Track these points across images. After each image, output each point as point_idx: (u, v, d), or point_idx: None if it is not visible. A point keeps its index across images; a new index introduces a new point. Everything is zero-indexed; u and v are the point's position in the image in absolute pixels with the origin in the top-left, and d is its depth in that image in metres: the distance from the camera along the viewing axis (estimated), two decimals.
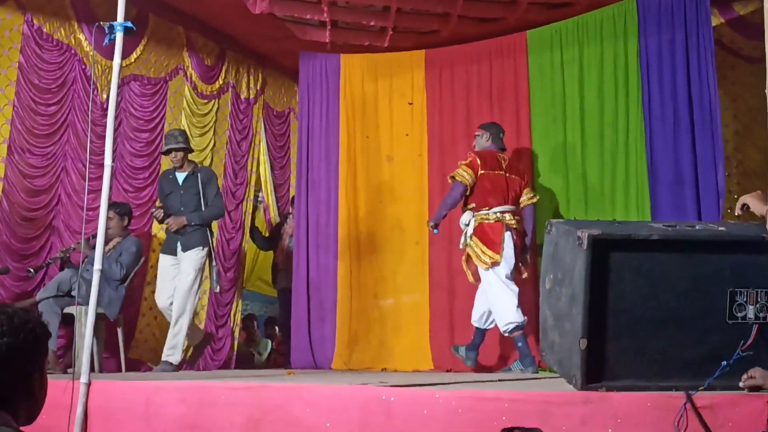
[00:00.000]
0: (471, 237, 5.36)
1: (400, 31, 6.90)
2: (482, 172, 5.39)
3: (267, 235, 7.84)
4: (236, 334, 7.54)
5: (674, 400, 2.88)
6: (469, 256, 5.43)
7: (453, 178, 5.46)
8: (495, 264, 5.24)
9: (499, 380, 4.58)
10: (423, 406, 3.26)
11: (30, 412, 1.80)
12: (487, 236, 5.30)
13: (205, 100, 7.27)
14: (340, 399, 3.48)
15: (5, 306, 1.80)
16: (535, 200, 5.61)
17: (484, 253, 5.27)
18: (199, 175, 5.75)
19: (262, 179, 8.01)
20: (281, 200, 8.17)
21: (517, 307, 5.20)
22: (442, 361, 6.30)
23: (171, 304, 5.58)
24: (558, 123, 6.24)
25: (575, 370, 3.04)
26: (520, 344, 5.21)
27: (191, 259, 5.59)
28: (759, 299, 3.07)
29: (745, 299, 3.08)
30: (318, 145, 7.02)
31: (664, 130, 5.73)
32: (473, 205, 5.43)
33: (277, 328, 8.99)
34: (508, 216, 5.36)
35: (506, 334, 5.26)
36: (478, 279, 5.43)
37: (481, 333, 5.54)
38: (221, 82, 7.42)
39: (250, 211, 7.78)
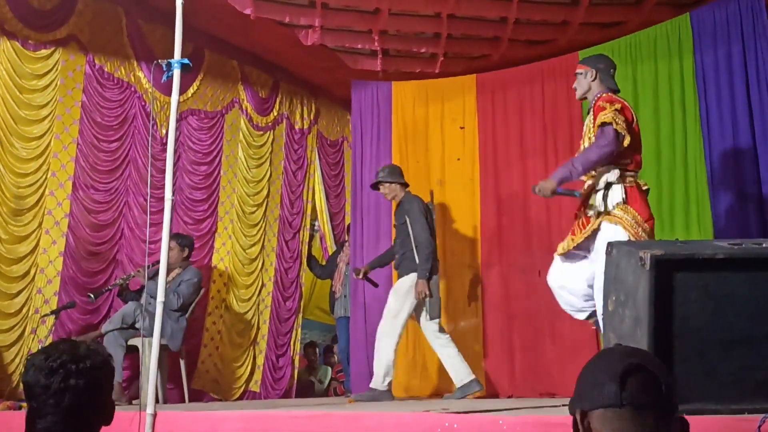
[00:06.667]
0: (621, 204, 4.12)
1: (451, 56, 6.93)
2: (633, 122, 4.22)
3: (324, 263, 7.89)
4: (296, 363, 7.58)
5: (746, 423, 2.80)
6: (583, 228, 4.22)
7: (604, 124, 4.08)
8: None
9: (563, 405, 4.50)
10: None
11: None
12: (643, 205, 4.16)
13: (261, 132, 7.40)
14: (403, 427, 3.46)
15: (68, 350, 1.89)
16: None
17: (638, 224, 4.08)
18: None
19: (318, 208, 8.08)
20: (337, 228, 8.22)
21: None
22: (499, 387, 6.22)
23: None
24: None
25: None
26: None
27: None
28: None
29: None
30: (371, 172, 7.02)
31: (723, 147, 5.57)
32: (628, 160, 4.21)
33: (335, 355, 9.03)
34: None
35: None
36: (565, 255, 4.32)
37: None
38: (276, 114, 7.54)
39: (307, 239, 7.85)
